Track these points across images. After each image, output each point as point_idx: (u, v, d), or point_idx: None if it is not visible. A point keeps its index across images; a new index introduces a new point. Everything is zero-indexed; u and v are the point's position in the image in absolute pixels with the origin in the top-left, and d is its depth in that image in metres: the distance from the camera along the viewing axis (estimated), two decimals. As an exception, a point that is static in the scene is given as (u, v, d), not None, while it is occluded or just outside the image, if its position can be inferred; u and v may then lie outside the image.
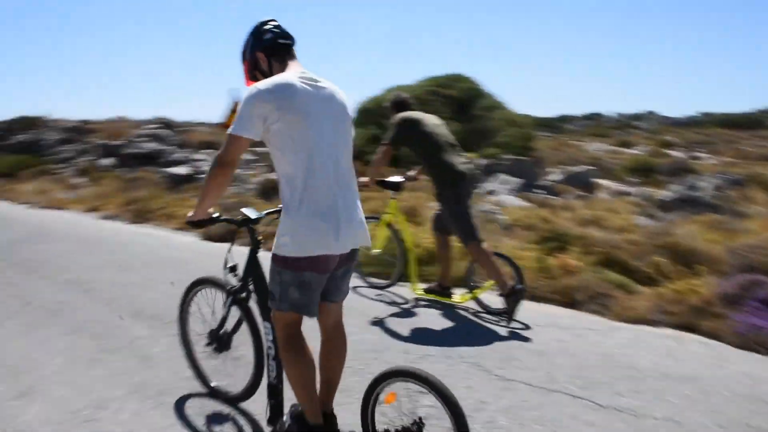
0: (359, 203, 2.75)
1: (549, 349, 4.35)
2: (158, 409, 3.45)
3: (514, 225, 8.04)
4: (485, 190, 10.69)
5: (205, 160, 15.59)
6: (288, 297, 2.62)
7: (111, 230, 9.79)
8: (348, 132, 2.76)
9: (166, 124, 20.92)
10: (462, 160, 5.05)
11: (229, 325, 3.36)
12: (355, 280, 5.91)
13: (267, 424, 2.99)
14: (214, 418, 3.35)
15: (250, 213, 3.13)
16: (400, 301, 5.60)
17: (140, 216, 10.78)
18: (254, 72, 2.80)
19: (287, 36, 2.79)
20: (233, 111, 9.80)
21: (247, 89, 2.55)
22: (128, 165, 16.87)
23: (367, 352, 4.27)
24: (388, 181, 5.48)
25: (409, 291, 5.68)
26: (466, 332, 4.74)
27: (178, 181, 14.33)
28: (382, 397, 2.63)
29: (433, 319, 5.05)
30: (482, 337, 4.62)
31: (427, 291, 5.50)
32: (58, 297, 5.75)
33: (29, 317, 5.16)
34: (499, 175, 12.05)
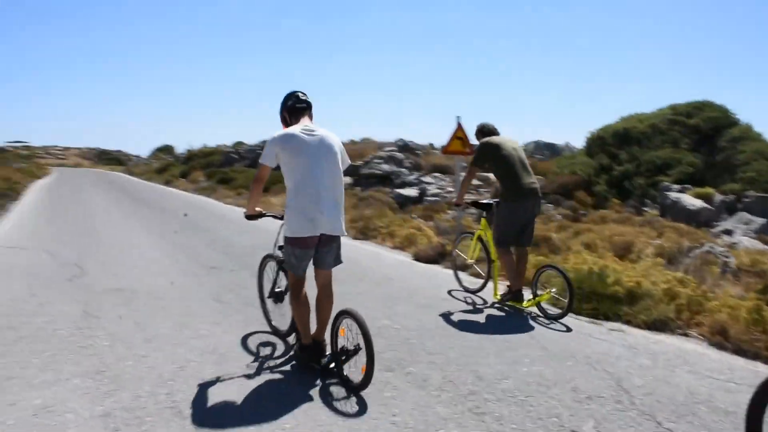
0: (337, 207, 4.30)
1: (740, 411, 3.90)
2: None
3: (741, 269, 7.23)
4: (719, 228, 9.70)
5: (433, 183, 16.26)
6: (290, 262, 4.34)
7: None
8: (332, 162, 4.28)
9: (404, 146, 22.23)
10: (530, 180, 6.10)
11: (282, 285, 5.06)
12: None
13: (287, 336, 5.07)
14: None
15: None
16: (480, 301, 6.72)
17: (363, 233, 11.65)
18: (283, 123, 4.51)
19: (303, 102, 4.46)
20: (456, 137, 10.17)
21: (271, 136, 4.29)
22: (364, 184, 18.29)
23: (535, 384, 4.24)
24: (481, 203, 6.71)
25: (491, 296, 6.62)
26: (641, 369, 4.43)
27: (406, 202, 15.18)
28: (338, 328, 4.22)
29: (603, 357, 4.79)
30: (663, 382, 4.28)
31: (502, 297, 6.40)
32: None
33: (246, 315, 5.94)
34: (740, 214, 10.82)
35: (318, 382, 4.26)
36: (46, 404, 3.76)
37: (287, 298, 4.94)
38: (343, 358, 4.21)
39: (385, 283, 7.49)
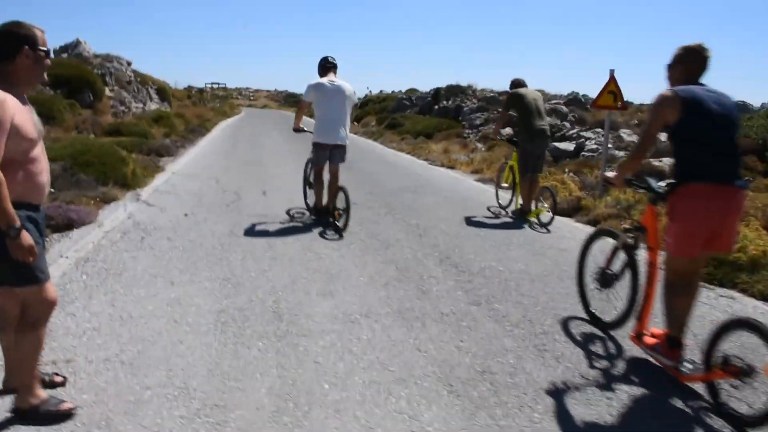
0: (343, 130, 7.10)
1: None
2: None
3: None
4: None
5: (593, 138, 15.68)
6: (315, 158, 7.24)
7: (477, 190, 10.97)
8: (342, 102, 7.06)
9: (572, 100, 21.47)
10: (541, 123, 8.07)
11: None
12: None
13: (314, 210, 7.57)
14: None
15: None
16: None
17: (508, 182, 11.69)
18: (319, 74, 7.21)
19: (331, 63, 7.21)
20: (608, 91, 9.95)
21: (308, 83, 7.14)
22: (523, 136, 18.07)
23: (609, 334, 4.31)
24: (513, 140, 8.52)
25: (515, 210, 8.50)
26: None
27: (562, 156, 14.86)
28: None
29: (695, 320, 4.67)
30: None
31: (513, 212, 8.56)
32: (397, 235, 6.98)
33: (367, 245, 6.46)
34: None
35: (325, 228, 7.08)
36: (179, 298, 4.55)
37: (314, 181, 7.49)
38: (338, 213, 7.07)
39: (510, 230, 7.64)
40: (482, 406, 3.22)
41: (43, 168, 2.76)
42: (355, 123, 34.20)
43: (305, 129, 7.51)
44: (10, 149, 2.51)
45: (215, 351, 3.68)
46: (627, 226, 4.73)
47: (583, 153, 14.75)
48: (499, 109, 21.69)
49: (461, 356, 3.83)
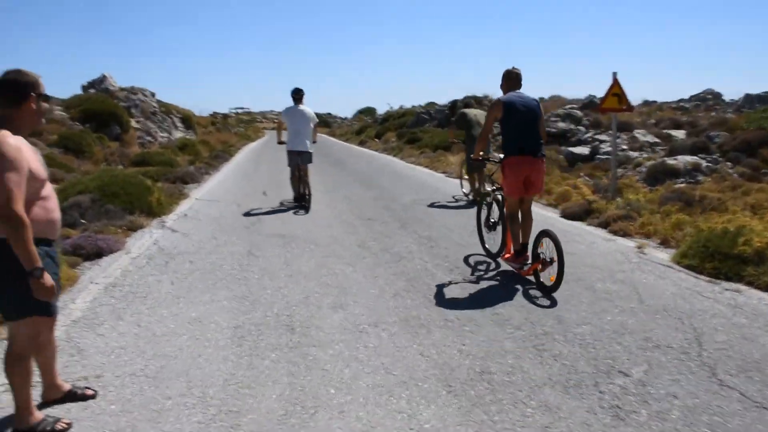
0: (305, 140, 10.26)
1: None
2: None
3: None
4: None
5: (607, 141, 15.78)
6: (289, 161, 10.45)
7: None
8: (305, 121, 10.30)
9: (588, 104, 21.54)
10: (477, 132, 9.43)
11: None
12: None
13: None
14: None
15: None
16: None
17: (522, 190, 11.89)
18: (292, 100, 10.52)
19: (298, 92, 10.38)
20: (612, 93, 10.12)
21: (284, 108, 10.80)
22: (540, 143, 18.22)
23: (609, 332, 4.51)
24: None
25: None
26: (731, 327, 4.44)
27: (576, 160, 15.00)
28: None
29: (697, 313, 4.83)
30: (748, 340, 4.30)
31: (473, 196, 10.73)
32: (409, 248, 7.24)
33: (379, 259, 6.73)
34: None
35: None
36: (199, 317, 4.86)
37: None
38: (306, 199, 10.41)
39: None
40: (478, 404, 3.45)
41: (55, 205, 3.08)
42: (376, 140, 34.64)
43: (283, 141, 10.77)
44: (27, 190, 2.81)
45: (231, 363, 3.98)
46: (494, 187, 6.85)
47: (597, 156, 14.87)
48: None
49: (462, 359, 4.07)
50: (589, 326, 4.64)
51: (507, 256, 6.19)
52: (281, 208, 10.24)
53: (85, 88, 22.87)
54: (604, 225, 8.41)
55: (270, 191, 12.22)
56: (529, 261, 5.81)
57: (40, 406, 3.31)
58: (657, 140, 14.99)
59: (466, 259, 6.67)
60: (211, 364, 3.96)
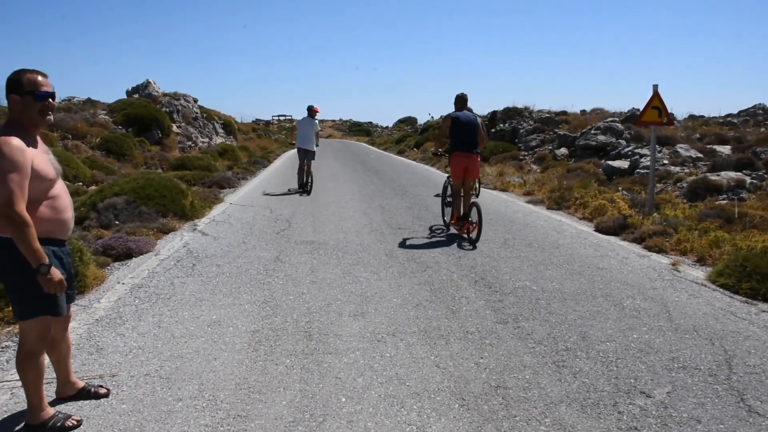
0: (310, 142, 13.98)
1: None
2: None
3: None
4: None
5: (648, 155, 15.43)
6: (299, 156, 14.10)
7: (524, 212, 11.01)
8: (310, 129, 14.09)
9: (630, 117, 21.13)
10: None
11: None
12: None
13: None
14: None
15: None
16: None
17: (557, 203, 11.70)
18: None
19: (309, 108, 14.20)
20: (651, 106, 9.88)
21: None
22: (579, 156, 17.93)
23: (635, 350, 4.36)
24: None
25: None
26: (766, 350, 4.26)
27: (615, 174, 14.70)
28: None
29: (729, 334, 4.63)
30: None
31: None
32: (437, 258, 7.17)
33: (405, 268, 6.68)
34: None
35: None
36: (219, 320, 4.88)
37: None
38: (309, 186, 13.74)
39: (551, 249, 7.69)
40: (490, 419, 3.37)
41: (65, 205, 3.09)
42: (414, 149, 34.58)
43: (295, 142, 14.42)
44: (32, 190, 2.85)
45: (245, 367, 3.97)
46: (447, 176, 9.20)
47: (637, 170, 14.53)
48: (555, 130, 21.68)
49: (478, 372, 3.98)
50: (614, 343, 4.50)
51: (452, 222, 8.76)
52: (289, 193, 12.96)
53: (129, 92, 23.42)
54: (638, 240, 8.20)
55: (309, 211, 12.28)
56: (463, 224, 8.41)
57: (54, 403, 3.35)
58: (700, 155, 14.58)
59: (494, 274, 6.55)
60: (225, 367, 3.96)
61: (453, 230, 8.84)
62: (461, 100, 8.82)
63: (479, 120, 8.59)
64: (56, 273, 2.89)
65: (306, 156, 13.85)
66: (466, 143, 8.38)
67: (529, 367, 4.07)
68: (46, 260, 2.84)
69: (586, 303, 5.46)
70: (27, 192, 2.81)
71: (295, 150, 14.60)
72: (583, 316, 5.10)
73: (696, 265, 7.01)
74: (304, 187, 13.59)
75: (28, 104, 2.92)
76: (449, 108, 9.57)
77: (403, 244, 7.86)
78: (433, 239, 8.28)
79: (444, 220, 9.41)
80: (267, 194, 13.21)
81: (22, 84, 2.91)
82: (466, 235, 8.24)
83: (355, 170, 20.73)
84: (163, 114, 20.82)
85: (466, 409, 3.48)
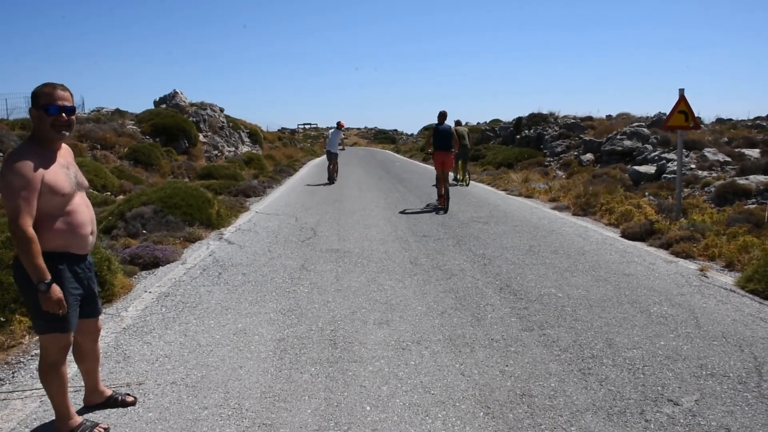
0: (334, 146, 18.92)
1: None
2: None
3: None
4: None
5: (675, 159, 15.22)
6: (327, 158, 19.52)
7: (549, 219, 10.92)
8: (337, 138, 19.29)
9: (656, 122, 20.86)
10: (448, 143, 12.94)
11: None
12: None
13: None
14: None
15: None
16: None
17: (583, 209, 11.60)
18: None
19: (337, 123, 20.29)
20: (678, 111, 9.77)
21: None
22: (605, 161, 17.76)
23: (662, 357, 4.31)
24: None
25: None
26: None
27: (641, 179, 14.52)
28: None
29: (759, 341, 4.56)
30: None
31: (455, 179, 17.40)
32: (462, 265, 7.15)
33: (430, 276, 6.68)
34: None
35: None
36: (245, 328, 4.93)
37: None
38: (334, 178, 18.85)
39: (577, 256, 7.63)
40: (515, 428, 3.35)
41: (83, 220, 3.06)
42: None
43: (334, 151, 18.81)
44: (45, 205, 2.86)
45: (270, 375, 4.00)
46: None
47: (664, 175, 14.34)
48: (580, 135, 21.51)
49: (503, 380, 3.96)
50: (640, 350, 4.44)
51: (436, 199, 12.60)
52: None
53: (156, 103, 23.79)
54: (665, 246, 8.10)
55: (335, 218, 12.35)
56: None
57: (81, 411, 3.41)
58: (728, 159, 14.33)
59: (520, 281, 6.51)
60: (250, 375, 4.00)
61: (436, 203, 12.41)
62: (442, 116, 12.57)
63: (452, 129, 12.57)
64: (56, 292, 2.87)
65: (332, 157, 18.79)
66: (442, 145, 12.35)
67: (554, 375, 4.03)
68: (48, 278, 2.84)
69: (613, 310, 5.40)
70: (34, 208, 2.81)
71: (323, 157, 16.58)
72: (609, 323, 5.04)
73: (724, 270, 6.90)
74: (332, 180, 18.58)
75: (42, 118, 2.92)
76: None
77: (427, 252, 7.86)
78: (461, 246, 8.25)
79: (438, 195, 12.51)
80: (308, 185, 17.80)
81: (38, 97, 2.93)
82: (443, 207, 11.87)
83: (380, 178, 20.77)
84: (190, 124, 21.10)
85: (491, 417, 3.46)
